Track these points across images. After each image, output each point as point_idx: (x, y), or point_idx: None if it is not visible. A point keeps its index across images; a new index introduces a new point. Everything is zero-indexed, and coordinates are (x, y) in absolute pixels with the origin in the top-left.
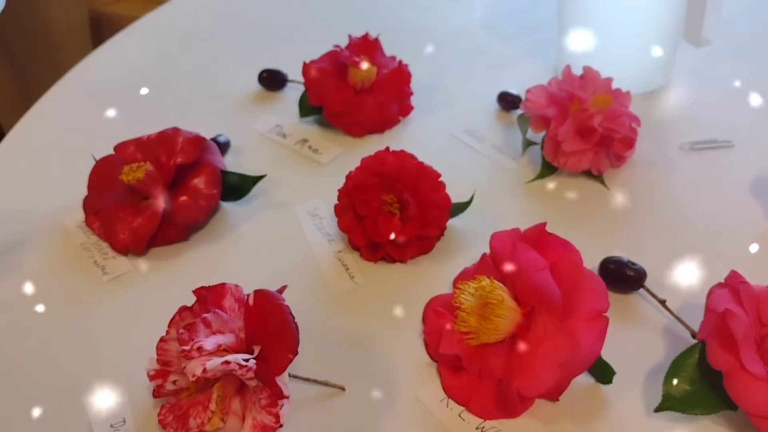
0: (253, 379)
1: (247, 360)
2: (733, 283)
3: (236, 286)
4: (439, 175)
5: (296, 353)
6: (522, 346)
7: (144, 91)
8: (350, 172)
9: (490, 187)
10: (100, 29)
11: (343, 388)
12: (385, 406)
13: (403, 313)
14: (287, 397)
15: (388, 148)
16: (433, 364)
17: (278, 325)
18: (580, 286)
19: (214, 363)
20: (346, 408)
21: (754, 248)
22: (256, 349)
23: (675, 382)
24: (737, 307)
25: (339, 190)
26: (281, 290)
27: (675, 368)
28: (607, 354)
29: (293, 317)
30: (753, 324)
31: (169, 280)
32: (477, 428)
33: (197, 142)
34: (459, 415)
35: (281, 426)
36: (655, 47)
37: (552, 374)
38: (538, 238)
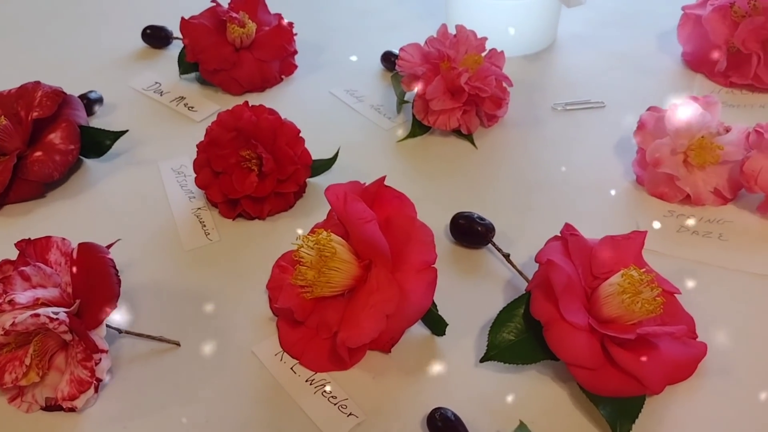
0: (68, 333)
1: (57, 313)
2: (565, 235)
3: (63, 239)
4: (298, 131)
5: (114, 306)
6: (355, 299)
7: (24, 47)
8: (208, 127)
9: (364, 146)
10: None
11: (177, 344)
12: (218, 361)
13: (253, 270)
14: (105, 351)
15: (246, 103)
16: (275, 319)
17: (98, 278)
18: (411, 238)
19: (23, 316)
20: (179, 363)
21: (608, 205)
22: (76, 303)
23: (500, 332)
24: (563, 258)
25: (197, 146)
26: (111, 245)
27: (501, 319)
28: (448, 307)
29: (116, 271)
30: (583, 276)
31: (20, 238)
32: (307, 381)
33: (55, 95)
34: (291, 369)
35: (100, 381)
36: (538, 10)
37: (376, 325)
38: (377, 192)
